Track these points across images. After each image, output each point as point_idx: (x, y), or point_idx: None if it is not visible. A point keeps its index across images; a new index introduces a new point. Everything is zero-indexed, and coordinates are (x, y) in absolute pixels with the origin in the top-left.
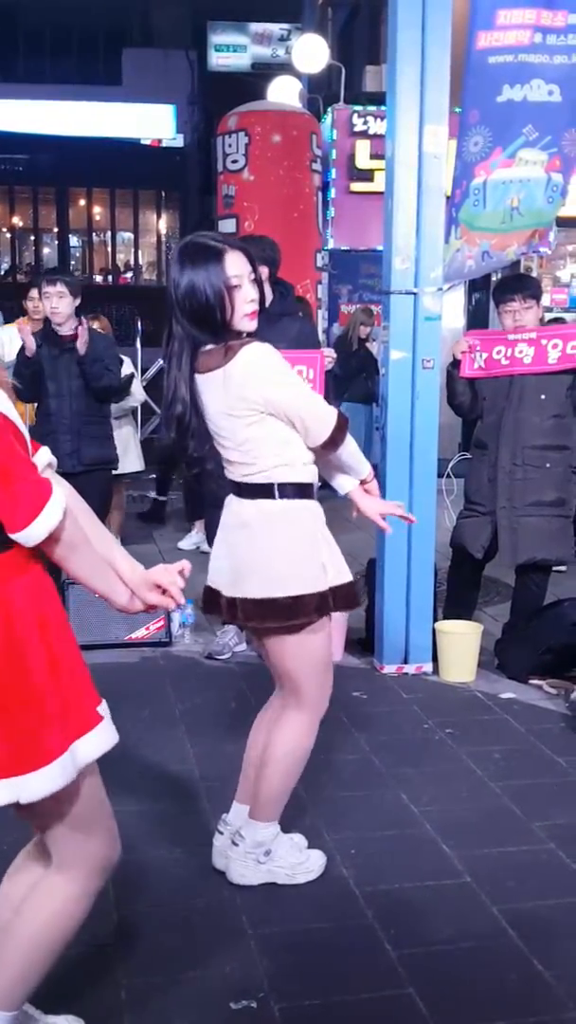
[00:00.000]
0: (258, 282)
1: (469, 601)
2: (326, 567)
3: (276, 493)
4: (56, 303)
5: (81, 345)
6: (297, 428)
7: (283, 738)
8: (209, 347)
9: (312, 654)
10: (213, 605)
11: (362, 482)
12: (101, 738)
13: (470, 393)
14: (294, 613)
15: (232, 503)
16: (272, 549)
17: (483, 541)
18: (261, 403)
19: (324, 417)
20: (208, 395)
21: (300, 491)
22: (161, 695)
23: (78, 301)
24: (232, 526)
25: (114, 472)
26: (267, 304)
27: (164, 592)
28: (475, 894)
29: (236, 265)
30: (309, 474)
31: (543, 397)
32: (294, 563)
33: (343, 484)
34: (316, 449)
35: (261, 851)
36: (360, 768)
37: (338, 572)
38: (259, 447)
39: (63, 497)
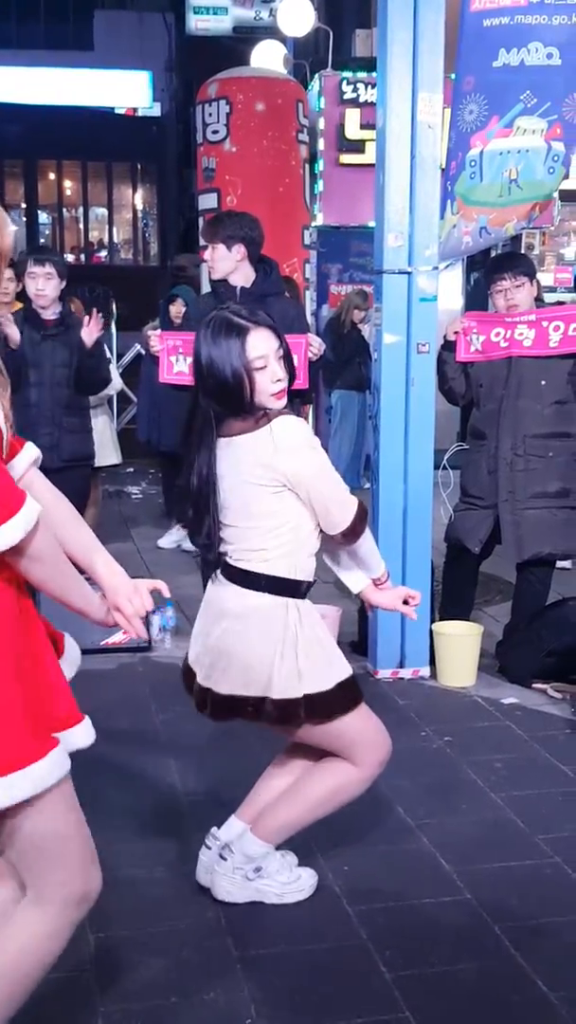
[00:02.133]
0: (286, 357)
1: (466, 600)
2: (301, 673)
3: (261, 584)
4: (43, 285)
5: (90, 338)
6: (317, 511)
7: (330, 780)
8: None
9: (333, 735)
10: (189, 684)
11: (375, 581)
12: (44, 768)
13: (462, 379)
14: (259, 714)
15: (217, 584)
16: (241, 647)
17: (481, 535)
18: (287, 476)
19: (347, 503)
20: (228, 462)
21: (288, 588)
22: (140, 704)
23: (63, 284)
24: (211, 610)
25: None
26: (249, 285)
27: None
28: (476, 912)
29: (260, 345)
30: (305, 571)
31: (543, 383)
32: (260, 665)
33: (354, 582)
34: (334, 538)
35: (251, 867)
36: None
37: (316, 679)
38: (269, 524)
39: (35, 511)
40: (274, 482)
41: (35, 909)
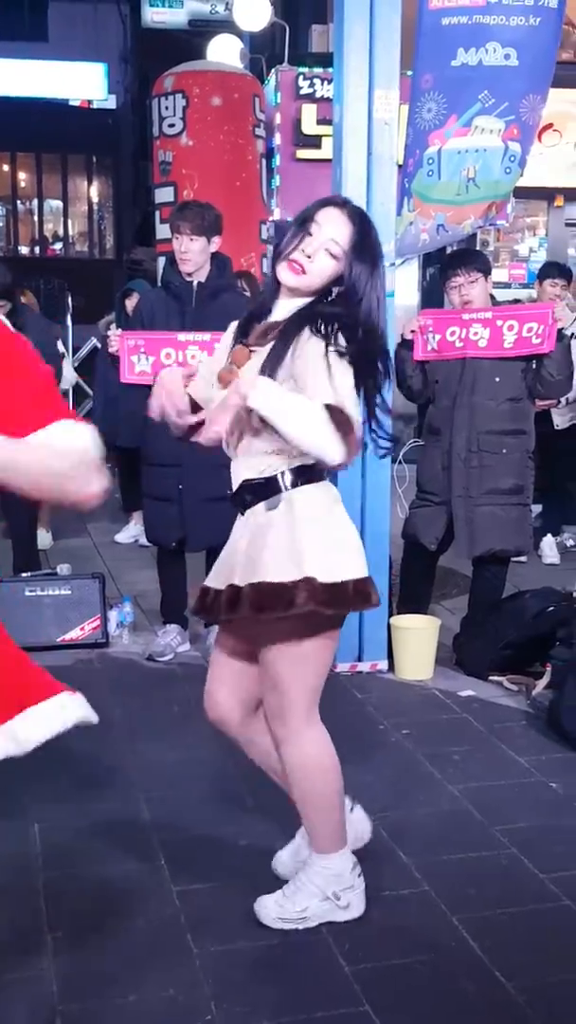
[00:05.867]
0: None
1: (423, 595)
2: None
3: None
4: None
5: None
6: None
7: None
8: None
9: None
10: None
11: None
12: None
13: (420, 376)
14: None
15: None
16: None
17: (436, 532)
18: None
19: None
20: None
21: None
22: (98, 700)
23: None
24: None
25: None
26: (204, 279)
27: None
28: (434, 903)
29: (327, 227)
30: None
31: (498, 380)
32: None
33: None
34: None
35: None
36: None
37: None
38: None
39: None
40: None
41: None
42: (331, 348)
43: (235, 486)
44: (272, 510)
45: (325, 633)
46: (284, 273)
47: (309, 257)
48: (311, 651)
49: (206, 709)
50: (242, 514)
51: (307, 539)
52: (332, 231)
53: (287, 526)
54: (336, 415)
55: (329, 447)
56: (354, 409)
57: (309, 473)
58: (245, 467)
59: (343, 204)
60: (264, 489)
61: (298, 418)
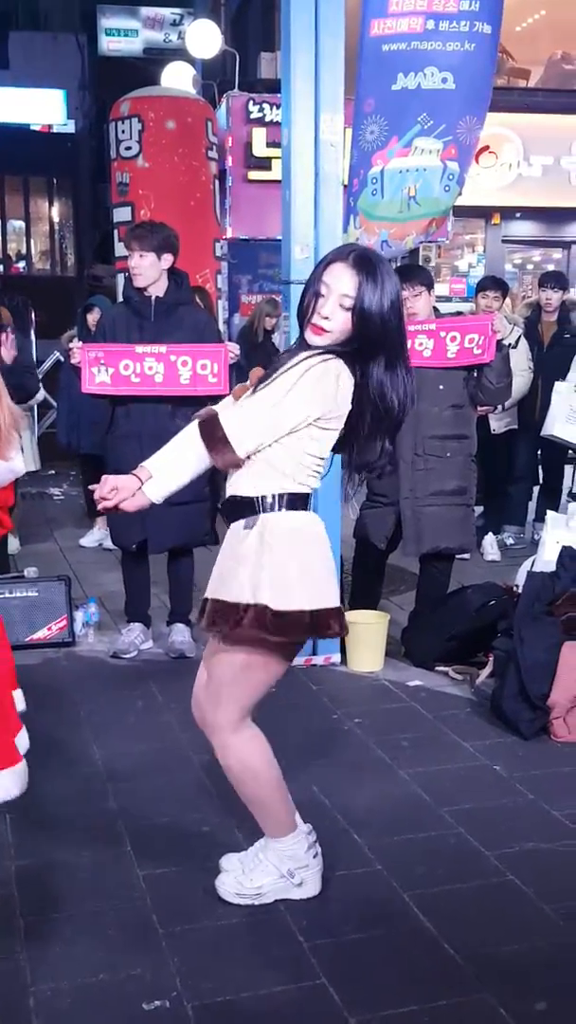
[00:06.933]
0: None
1: (374, 592)
2: None
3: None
4: None
5: (8, 356)
6: None
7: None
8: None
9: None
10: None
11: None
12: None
13: None
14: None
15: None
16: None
17: (386, 531)
18: None
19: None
20: None
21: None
22: (65, 697)
23: None
24: None
25: None
26: (163, 294)
27: None
28: (386, 881)
29: (338, 281)
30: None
31: (441, 387)
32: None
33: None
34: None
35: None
36: None
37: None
38: None
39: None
40: None
41: None
42: (319, 359)
43: (226, 496)
44: (248, 530)
45: (272, 657)
46: (311, 337)
47: (327, 318)
48: (252, 669)
49: (193, 710)
50: (227, 524)
51: (269, 565)
52: (340, 287)
53: (256, 549)
54: (206, 428)
55: (206, 458)
56: (258, 421)
57: (293, 500)
58: (235, 480)
59: (347, 256)
60: (244, 508)
61: (183, 462)
